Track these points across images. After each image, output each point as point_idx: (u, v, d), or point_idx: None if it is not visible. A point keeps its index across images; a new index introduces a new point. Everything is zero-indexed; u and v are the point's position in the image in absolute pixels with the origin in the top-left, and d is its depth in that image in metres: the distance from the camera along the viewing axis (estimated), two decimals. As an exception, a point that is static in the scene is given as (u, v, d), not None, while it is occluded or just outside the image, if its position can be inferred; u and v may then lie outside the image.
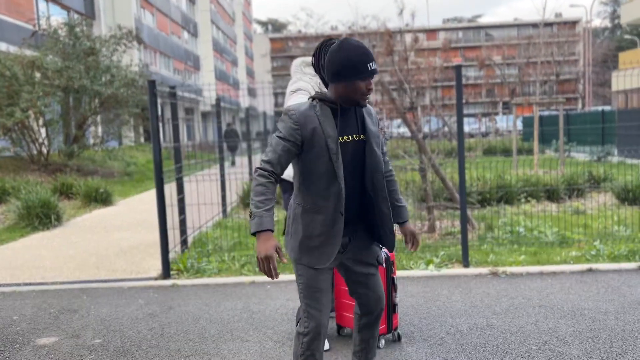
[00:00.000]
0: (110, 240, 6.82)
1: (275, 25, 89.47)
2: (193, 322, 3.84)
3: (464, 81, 58.19)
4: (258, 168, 2.17)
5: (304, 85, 3.33)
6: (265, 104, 66.75)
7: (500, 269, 4.80)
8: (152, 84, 4.73)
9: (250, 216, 2.10)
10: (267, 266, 2.05)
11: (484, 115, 38.27)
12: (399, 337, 3.42)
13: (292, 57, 69.70)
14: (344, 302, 3.44)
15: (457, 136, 4.94)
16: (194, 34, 45.60)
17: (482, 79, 53.90)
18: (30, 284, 4.93)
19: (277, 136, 2.19)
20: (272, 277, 2.07)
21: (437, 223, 6.92)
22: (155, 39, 34.76)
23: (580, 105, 53.31)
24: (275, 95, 70.85)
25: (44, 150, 14.15)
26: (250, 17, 75.01)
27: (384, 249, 3.33)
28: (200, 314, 4.01)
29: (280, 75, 71.24)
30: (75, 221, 8.48)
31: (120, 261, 5.65)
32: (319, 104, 2.24)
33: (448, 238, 6.14)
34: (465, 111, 53.03)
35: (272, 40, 73.91)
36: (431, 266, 4.96)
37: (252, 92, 67.86)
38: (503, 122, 36.88)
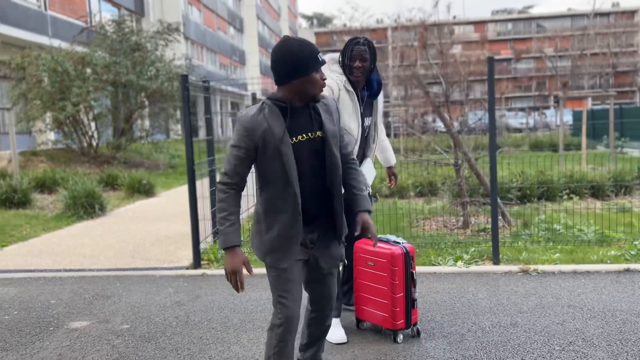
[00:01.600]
0: (149, 230, 7.05)
1: (321, 20, 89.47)
2: (217, 311, 3.93)
3: (512, 74, 56.57)
4: (218, 182, 2.24)
5: (330, 82, 3.30)
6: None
7: (532, 267, 4.67)
8: (184, 78, 4.84)
9: (218, 234, 2.18)
10: (234, 280, 2.16)
11: (532, 109, 37.07)
12: (418, 333, 3.39)
13: (337, 51, 69.31)
14: (363, 295, 3.44)
15: (489, 130, 4.83)
16: (240, 30, 46.21)
17: (533, 71, 52.22)
18: (69, 270, 5.17)
19: (231, 145, 2.23)
20: (237, 290, 2.17)
21: (472, 219, 6.79)
22: (202, 34, 35.44)
23: (638, 99, 50.77)
24: (320, 89, 70.89)
25: (94, 143, 14.71)
26: (295, 11, 75.29)
27: (404, 244, 3.31)
28: (225, 303, 4.10)
29: (325, 69, 71.27)
30: (118, 211, 8.80)
31: (156, 250, 5.84)
32: (267, 106, 2.23)
33: (481, 235, 6.02)
34: (513, 105, 51.56)
35: (317, 34, 73.96)
36: (460, 262, 4.88)
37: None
38: (553, 116, 35.65)
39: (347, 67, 3.30)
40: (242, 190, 2.27)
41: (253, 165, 2.31)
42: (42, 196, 9.77)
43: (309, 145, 2.27)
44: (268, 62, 54.45)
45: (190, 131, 4.93)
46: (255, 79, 22.80)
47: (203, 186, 5.48)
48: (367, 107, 3.41)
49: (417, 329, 3.39)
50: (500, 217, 6.46)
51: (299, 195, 2.25)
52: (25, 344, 3.45)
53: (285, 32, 64.47)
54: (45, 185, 10.25)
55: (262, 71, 50.37)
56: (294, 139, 2.24)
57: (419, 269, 4.77)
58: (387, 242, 3.38)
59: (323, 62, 2.23)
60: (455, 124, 6.89)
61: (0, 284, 4.83)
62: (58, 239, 6.68)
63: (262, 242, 2.34)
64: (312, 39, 73.87)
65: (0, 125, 16.11)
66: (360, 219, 2.36)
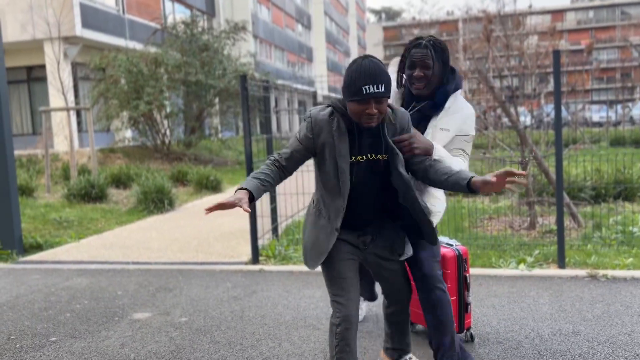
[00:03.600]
0: (213, 225, 7.28)
1: (389, 14, 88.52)
2: (271, 307, 4.00)
3: (592, 65, 53.36)
4: (269, 156, 2.27)
5: None
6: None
7: (601, 271, 4.41)
8: (243, 78, 4.95)
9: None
10: (219, 204, 2.03)
11: (614, 102, 34.86)
12: (472, 338, 3.29)
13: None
14: (416, 298, 3.38)
15: (555, 125, 4.59)
16: (308, 26, 46.60)
17: (617, 62, 49.03)
18: (137, 263, 5.44)
19: (295, 136, 2.26)
20: (211, 208, 2.03)
21: (540, 220, 6.50)
22: (271, 32, 36.08)
23: None
24: (387, 84, 70.17)
25: (166, 140, 15.39)
26: (363, 6, 74.90)
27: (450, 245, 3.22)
28: (279, 300, 4.16)
29: (393, 64, 70.45)
30: (186, 206, 9.16)
31: (218, 245, 6.03)
32: (337, 117, 2.21)
33: (548, 236, 5.75)
34: (594, 97, 48.69)
35: (385, 28, 73.25)
36: (522, 265, 4.69)
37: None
38: (639, 109, 33.28)
39: (407, 77, 2.66)
40: (285, 175, 2.28)
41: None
42: (117, 191, 10.34)
43: (368, 165, 2.25)
44: (335, 58, 54.69)
45: (249, 130, 5.04)
46: (319, 77, 22.81)
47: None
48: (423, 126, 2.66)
49: (471, 334, 3.30)
50: (569, 218, 6.15)
51: (344, 209, 2.26)
52: (92, 332, 3.68)
53: (353, 28, 64.30)
54: (120, 181, 10.84)
55: (329, 67, 50.57)
56: (353, 158, 2.23)
57: (478, 271, 4.64)
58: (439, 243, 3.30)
59: (369, 95, 2.07)
60: (524, 119, 6.59)
61: (76, 274, 5.17)
62: (129, 233, 7.04)
63: (304, 243, 2.45)
64: (380, 34, 73.24)
65: (83, 124, 17.17)
66: (479, 182, 2.12)
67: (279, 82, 34.08)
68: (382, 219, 2.40)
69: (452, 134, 2.61)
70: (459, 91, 2.68)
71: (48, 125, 11.18)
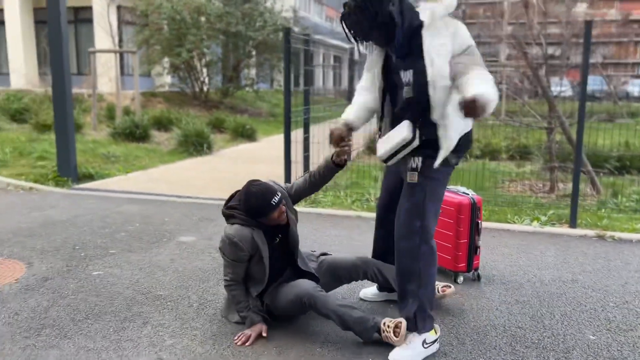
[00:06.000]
0: (249, 170, 7.76)
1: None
2: (300, 242, 4.46)
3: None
4: (225, 286, 2.89)
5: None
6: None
7: (609, 233, 4.72)
8: (286, 31, 5.28)
9: (242, 319, 2.86)
10: (246, 336, 2.74)
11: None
12: (478, 277, 3.69)
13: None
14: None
15: (580, 95, 4.82)
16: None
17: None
18: (180, 197, 5.97)
19: (230, 262, 2.80)
20: (244, 343, 2.72)
21: (561, 185, 6.77)
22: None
23: None
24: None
25: (204, 88, 15.84)
26: (408, -37, 72.63)
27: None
28: (307, 235, 4.63)
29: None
30: (223, 152, 9.66)
31: (253, 187, 6.51)
32: (254, 230, 2.77)
33: (565, 200, 6.03)
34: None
35: (428, -13, 71.08)
36: (535, 222, 5.02)
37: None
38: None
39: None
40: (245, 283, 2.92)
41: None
42: (159, 133, 10.90)
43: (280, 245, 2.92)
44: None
45: (290, 81, 5.40)
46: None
47: (297, 133, 5.98)
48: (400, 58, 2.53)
49: (478, 274, 3.70)
50: (589, 185, 6.41)
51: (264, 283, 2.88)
52: (145, 248, 4.21)
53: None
54: (161, 124, 11.39)
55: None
56: (270, 244, 2.85)
57: (493, 225, 5.00)
58: (456, 192, 3.67)
59: (279, 203, 2.72)
60: (557, 89, 6.76)
61: (126, 202, 5.73)
62: (172, 171, 7.59)
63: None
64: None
65: (125, 67, 17.71)
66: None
67: (317, 37, 33.91)
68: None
69: (449, 50, 2.41)
70: (428, 11, 2.44)
71: (94, 66, 11.70)
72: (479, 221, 3.62)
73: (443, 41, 2.40)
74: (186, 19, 13.85)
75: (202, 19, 14.61)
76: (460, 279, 3.64)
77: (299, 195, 3.06)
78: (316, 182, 3.02)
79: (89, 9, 17.07)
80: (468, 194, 3.63)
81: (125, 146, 9.32)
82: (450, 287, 3.15)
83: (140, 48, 14.81)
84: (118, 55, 13.69)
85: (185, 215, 5.20)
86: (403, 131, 2.51)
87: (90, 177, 6.91)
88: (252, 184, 2.75)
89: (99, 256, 4.02)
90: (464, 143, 2.62)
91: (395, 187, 2.90)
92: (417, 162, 2.57)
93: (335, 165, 2.92)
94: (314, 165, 7.14)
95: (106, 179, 6.92)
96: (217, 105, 15.64)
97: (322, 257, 3.18)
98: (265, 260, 2.80)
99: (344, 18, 2.47)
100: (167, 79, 16.68)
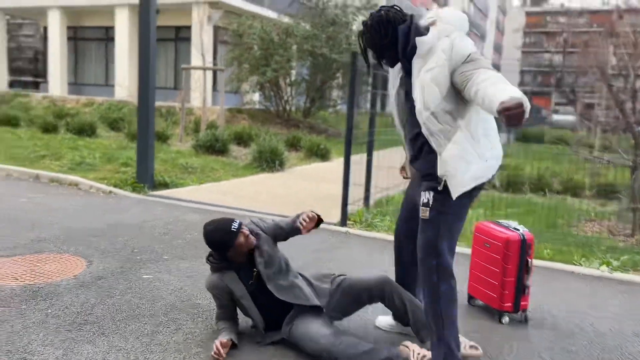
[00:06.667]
0: (315, 189, 7.86)
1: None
2: (349, 263, 4.44)
3: None
4: (216, 322, 3.02)
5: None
6: (512, 82, 63.15)
7: (690, 286, 4.26)
8: (353, 55, 5.33)
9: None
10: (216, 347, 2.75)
11: None
12: (526, 319, 3.47)
13: (548, 34, 64.05)
14: (477, 274, 3.62)
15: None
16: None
17: None
18: (243, 209, 6.15)
19: (216, 302, 2.98)
20: (216, 353, 2.73)
21: (646, 229, 6.21)
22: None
23: None
24: (522, 73, 66.32)
25: (287, 107, 16.30)
26: (508, -12, 70.85)
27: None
28: (358, 258, 4.58)
29: (531, 52, 66.25)
30: (295, 169, 9.85)
31: (316, 206, 6.57)
32: (225, 273, 2.89)
33: (647, 245, 5.53)
34: None
35: (528, 14, 68.81)
36: (604, 267, 4.64)
37: (496, 69, 64.78)
38: None
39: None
40: (236, 314, 3.06)
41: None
42: (238, 148, 11.34)
43: (258, 283, 2.91)
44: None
45: (353, 104, 5.43)
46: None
47: (363, 156, 5.99)
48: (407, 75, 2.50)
49: (526, 316, 3.47)
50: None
51: (262, 322, 2.94)
52: (197, 257, 4.38)
53: (493, 10, 61.19)
54: (242, 139, 11.84)
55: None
56: (247, 286, 2.91)
57: (556, 265, 4.69)
58: (506, 227, 3.49)
59: (240, 227, 2.80)
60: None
61: (192, 211, 5.99)
62: (242, 184, 7.85)
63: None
64: (522, 19, 68.98)
65: (217, 84, 18.66)
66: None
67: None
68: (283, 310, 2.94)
69: (444, 69, 2.29)
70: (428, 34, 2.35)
71: (187, 81, 12.45)
72: (529, 259, 3.41)
73: (433, 65, 2.29)
74: (274, 39, 14.39)
75: (290, 40, 15.11)
76: (506, 319, 3.44)
77: (273, 237, 3.04)
78: (281, 234, 3.04)
79: (188, 28, 18.25)
80: (519, 230, 3.44)
81: (205, 158, 9.78)
82: (477, 348, 2.85)
83: (229, 66, 15.56)
84: (208, 72, 14.45)
85: (242, 229, 5.34)
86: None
87: (165, 185, 7.31)
88: (207, 225, 2.88)
89: (153, 260, 4.23)
90: (482, 172, 2.40)
91: (413, 207, 2.87)
92: (428, 197, 2.46)
93: (296, 229, 3.00)
94: (376, 188, 7.11)
95: (179, 188, 7.29)
96: (298, 124, 16.01)
97: (342, 278, 3.12)
98: (243, 300, 2.89)
99: (360, 36, 2.51)
100: (255, 96, 17.35)
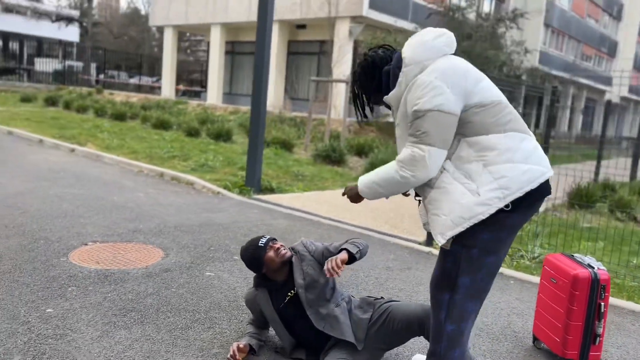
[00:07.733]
0: (412, 204, 7.54)
1: None
2: (413, 285, 4.17)
3: None
4: (246, 325, 3.11)
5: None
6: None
7: None
8: (554, 89, 5.07)
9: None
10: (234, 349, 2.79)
11: None
12: (596, 374, 2.94)
13: None
14: (542, 312, 3.16)
15: None
16: (617, 17, 41.00)
17: None
18: (330, 219, 6.14)
19: (249, 321, 3.07)
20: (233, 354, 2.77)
21: None
22: (567, 22, 33.03)
23: None
24: None
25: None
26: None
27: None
28: (427, 279, 4.29)
29: None
30: (409, 184, 9.58)
31: (407, 222, 6.31)
32: (259, 290, 2.89)
33: None
34: None
35: None
36: None
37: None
38: None
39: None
40: (267, 330, 3.09)
41: None
42: (356, 159, 11.38)
43: (294, 303, 2.83)
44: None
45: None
46: (618, 72, 20.05)
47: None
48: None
49: (597, 369, 2.95)
50: None
51: (291, 344, 2.88)
52: (264, 261, 4.46)
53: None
54: (363, 151, 11.86)
55: (637, 65, 43.77)
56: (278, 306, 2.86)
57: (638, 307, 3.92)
58: (579, 263, 3.01)
59: (269, 241, 2.84)
60: None
61: (282, 216, 6.13)
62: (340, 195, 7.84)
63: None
64: None
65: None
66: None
67: (563, 74, 31.15)
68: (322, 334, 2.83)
69: (406, 123, 2.14)
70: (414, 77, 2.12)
71: (318, 93, 12.82)
72: (602, 303, 2.89)
73: (398, 120, 2.22)
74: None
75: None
76: (569, 369, 2.95)
77: (321, 260, 2.87)
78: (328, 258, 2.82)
79: (331, 42, 18.87)
80: (593, 267, 2.94)
81: (320, 167, 9.97)
82: None
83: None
84: (341, 85, 14.73)
85: (321, 237, 5.32)
86: None
87: (271, 190, 7.59)
88: (242, 247, 2.94)
89: (222, 259, 4.40)
90: (473, 210, 2.00)
91: None
92: None
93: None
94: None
95: (283, 194, 7.51)
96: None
97: (387, 304, 2.88)
98: (272, 322, 2.87)
99: (354, 81, 2.41)
100: (387, 110, 17.29)
